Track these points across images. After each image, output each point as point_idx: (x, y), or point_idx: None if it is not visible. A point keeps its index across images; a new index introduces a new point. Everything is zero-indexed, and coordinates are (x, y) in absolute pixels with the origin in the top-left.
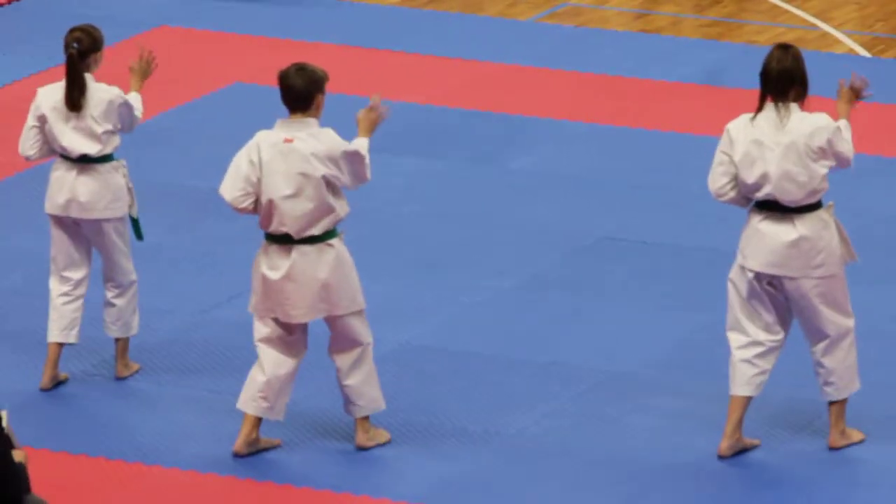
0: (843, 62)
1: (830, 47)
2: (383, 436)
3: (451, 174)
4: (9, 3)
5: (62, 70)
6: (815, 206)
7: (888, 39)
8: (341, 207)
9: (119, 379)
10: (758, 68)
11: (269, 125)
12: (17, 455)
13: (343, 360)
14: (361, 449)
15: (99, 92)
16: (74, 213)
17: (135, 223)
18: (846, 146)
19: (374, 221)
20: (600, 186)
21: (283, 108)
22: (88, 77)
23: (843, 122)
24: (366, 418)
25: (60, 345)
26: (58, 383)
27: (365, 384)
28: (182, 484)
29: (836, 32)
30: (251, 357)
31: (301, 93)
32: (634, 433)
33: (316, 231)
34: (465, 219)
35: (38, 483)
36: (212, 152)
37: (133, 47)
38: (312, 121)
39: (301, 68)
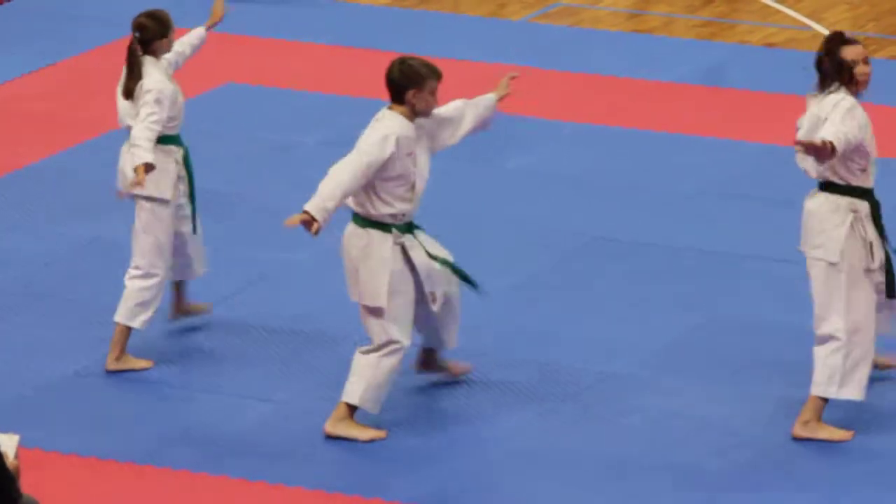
0: None
1: None
2: (361, 434)
3: (445, 174)
4: (2, 2)
5: (59, 69)
6: (835, 188)
7: (880, 39)
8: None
9: (109, 372)
10: (751, 68)
11: (263, 125)
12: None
13: (364, 344)
14: (326, 434)
15: (148, 79)
16: (120, 185)
17: (191, 212)
18: (839, 124)
19: None
20: (594, 186)
21: (278, 109)
22: (150, 61)
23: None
24: (348, 407)
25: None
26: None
27: (358, 372)
28: (173, 484)
29: (827, 33)
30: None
31: (392, 85)
32: (629, 433)
33: (357, 208)
34: (459, 218)
35: (30, 483)
36: (205, 152)
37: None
38: (394, 113)
39: (403, 61)
